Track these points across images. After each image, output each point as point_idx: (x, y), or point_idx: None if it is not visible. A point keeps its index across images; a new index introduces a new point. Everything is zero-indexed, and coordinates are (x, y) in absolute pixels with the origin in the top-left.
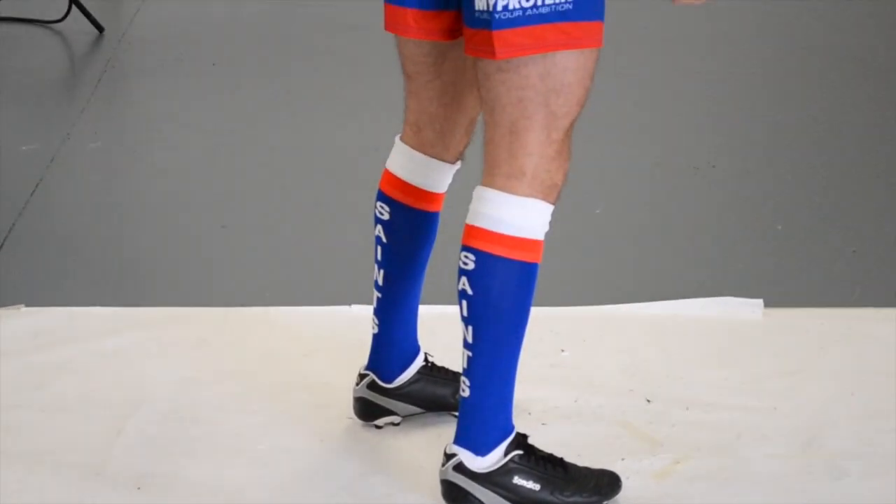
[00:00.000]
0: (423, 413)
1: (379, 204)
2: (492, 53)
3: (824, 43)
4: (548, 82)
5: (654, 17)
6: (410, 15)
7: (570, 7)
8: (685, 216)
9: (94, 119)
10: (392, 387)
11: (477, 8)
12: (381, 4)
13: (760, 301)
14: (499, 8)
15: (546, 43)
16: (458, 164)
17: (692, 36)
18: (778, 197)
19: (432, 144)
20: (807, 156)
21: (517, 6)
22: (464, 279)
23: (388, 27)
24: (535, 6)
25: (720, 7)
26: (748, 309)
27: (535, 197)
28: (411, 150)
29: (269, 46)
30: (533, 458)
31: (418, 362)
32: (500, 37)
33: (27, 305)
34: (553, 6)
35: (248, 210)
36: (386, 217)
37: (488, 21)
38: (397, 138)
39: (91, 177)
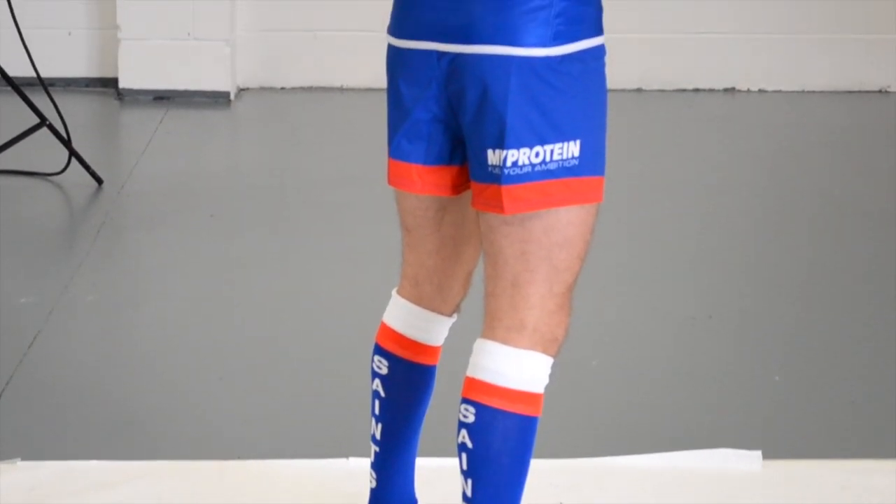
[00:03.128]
0: None
1: (376, 358)
2: (500, 208)
3: (820, 190)
4: (551, 236)
5: (646, 164)
6: (415, 170)
7: (577, 163)
8: (682, 367)
9: (91, 271)
10: None
11: (490, 163)
12: (376, 156)
13: (759, 453)
14: (509, 164)
15: (552, 199)
16: (455, 317)
17: (686, 184)
18: (775, 347)
19: (430, 298)
20: (804, 306)
21: (527, 162)
22: (464, 432)
23: (391, 182)
24: (543, 162)
25: (714, 156)
26: (746, 461)
27: (536, 350)
28: (409, 303)
29: (267, 198)
30: None
31: None
32: (510, 192)
33: (23, 459)
34: (560, 162)
35: (245, 361)
36: (384, 371)
37: (498, 176)
38: (394, 292)
39: (89, 329)
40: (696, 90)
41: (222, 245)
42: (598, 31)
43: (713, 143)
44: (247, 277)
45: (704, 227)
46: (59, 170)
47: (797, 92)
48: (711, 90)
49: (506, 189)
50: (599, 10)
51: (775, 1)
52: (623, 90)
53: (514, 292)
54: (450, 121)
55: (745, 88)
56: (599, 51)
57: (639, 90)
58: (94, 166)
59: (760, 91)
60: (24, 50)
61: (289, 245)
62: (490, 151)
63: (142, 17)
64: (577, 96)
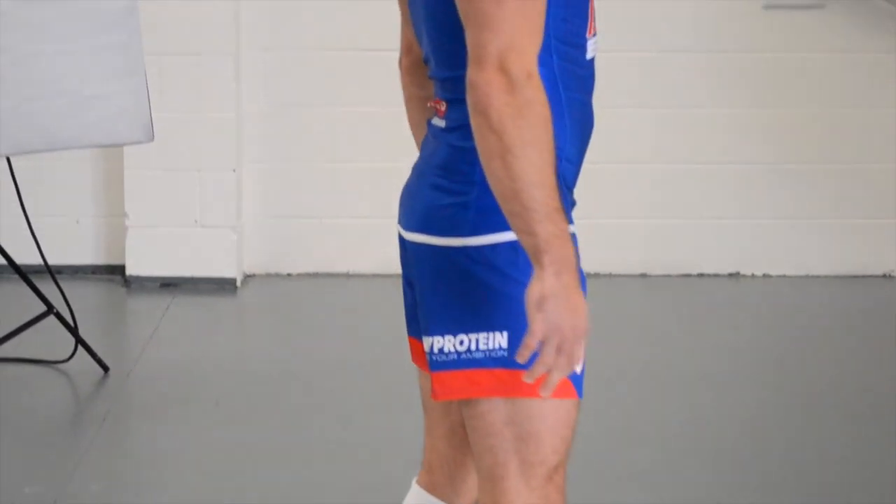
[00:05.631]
0: None
1: None
2: (434, 394)
3: (827, 376)
4: (513, 430)
5: (651, 349)
6: (422, 347)
7: (505, 354)
8: None
9: (97, 460)
10: None
11: (425, 349)
12: (384, 342)
13: None
14: (435, 350)
15: (481, 388)
16: None
17: (691, 369)
18: None
19: (443, 487)
20: (812, 493)
21: (452, 349)
22: None
23: (412, 359)
24: (468, 350)
25: (720, 341)
26: None
27: None
28: (423, 491)
29: (273, 385)
30: None
31: None
32: (438, 378)
33: None
34: (487, 352)
35: None
36: None
37: (429, 362)
38: (414, 480)
39: None
40: (701, 275)
41: (228, 433)
42: None
43: (718, 327)
44: (254, 466)
45: (710, 413)
46: (65, 357)
47: (801, 276)
48: (716, 275)
49: (435, 375)
50: None
51: (778, 186)
52: (627, 275)
53: (493, 486)
54: None
55: (750, 273)
56: None
57: (643, 275)
58: (100, 353)
59: (765, 276)
60: (31, 238)
61: (296, 434)
62: (424, 337)
63: (149, 204)
64: (502, 288)
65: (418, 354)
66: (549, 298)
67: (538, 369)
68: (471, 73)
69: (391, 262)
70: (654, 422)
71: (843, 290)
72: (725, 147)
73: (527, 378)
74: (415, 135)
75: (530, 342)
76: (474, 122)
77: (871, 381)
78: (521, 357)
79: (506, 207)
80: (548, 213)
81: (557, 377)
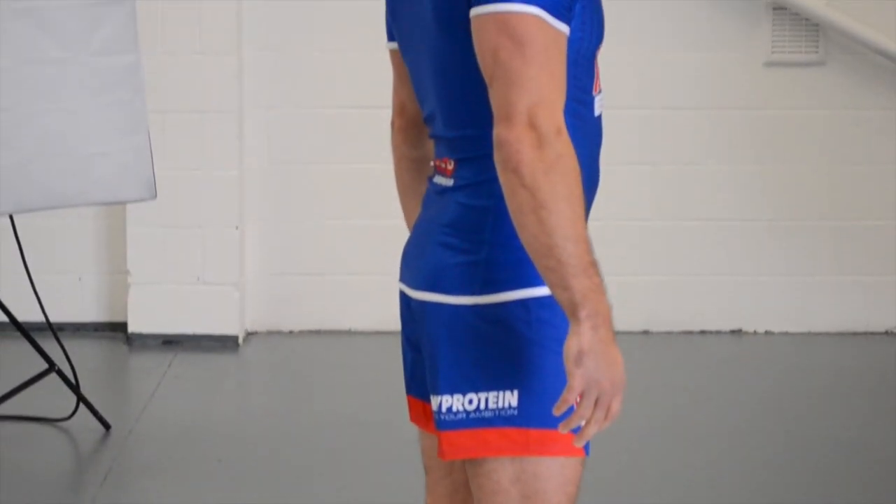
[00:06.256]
0: None
1: None
2: (442, 453)
3: (829, 434)
4: (519, 488)
5: (654, 407)
6: (423, 407)
7: (515, 413)
8: None
9: None
10: None
11: (433, 408)
12: (386, 400)
13: None
14: (444, 409)
15: (490, 447)
16: None
17: (694, 427)
18: None
19: None
20: None
21: (461, 409)
22: None
23: (411, 418)
24: (478, 410)
25: (722, 398)
26: None
27: None
28: None
29: (275, 443)
30: None
31: None
32: (447, 437)
33: None
34: (497, 411)
35: None
36: None
37: (437, 421)
38: None
39: None
40: (703, 332)
41: (230, 492)
42: (537, 282)
43: (720, 384)
44: None
45: (713, 471)
46: (66, 415)
47: (803, 333)
48: (718, 332)
49: (443, 434)
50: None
51: (779, 243)
52: (629, 332)
53: None
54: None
55: (752, 330)
56: (538, 302)
57: (645, 332)
58: (101, 411)
59: (767, 333)
60: (33, 294)
61: (298, 492)
62: (433, 396)
63: (152, 262)
64: (512, 346)
65: (418, 414)
66: (587, 353)
67: (575, 422)
68: (499, 131)
69: (393, 320)
70: (656, 478)
71: (845, 347)
72: (727, 204)
73: (563, 429)
74: (401, 196)
75: (569, 397)
76: (504, 180)
77: (873, 438)
78: (558, 410)
79: (540, 263)
80: (583, 268)
81: (594, 430)
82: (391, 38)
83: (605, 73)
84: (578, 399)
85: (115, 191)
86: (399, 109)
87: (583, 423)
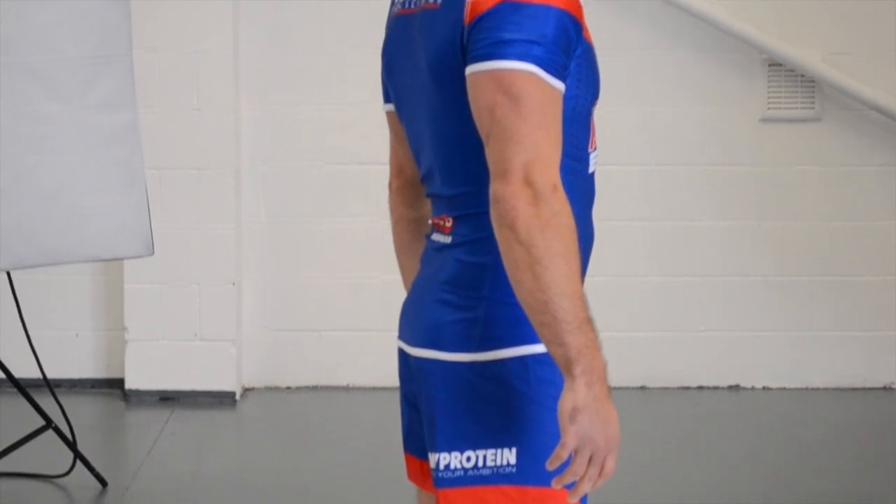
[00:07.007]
0: None
1: None
2: None
3: (826, 490)
4: None
5: (651, 464)
6: (420, 465)
7: (514, 471)
8: None
9: None
10: None
11: (431, 465)
12: (383, 456)
13: None
14: (441, 466)
15: None
16: None
17: (692, 484)
18: None
19: None
20: None
21: (458, 466)
22: None
23: (409, 476)
24: (476, 467)
25: (720, 454)
26: None
27: None
28: None
29: (274, 499)
30: None
31: None
32: (445, 495)
33: None
34: (495, 468)
35: None
36: None
37: (435, 479)
38: None
39: None
40: (700, 387)
41: None
42: (535, 339)
43: (718, 440)
44: None
45: None
46: (63, 472)
47: (801, 389)
48: (715, 387)
49: (441, 492)
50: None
51: (777, 299)
52: (627, 388)
53: None
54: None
55: (750, 386)
56: (536, 359)
57: (642, 388)
58: (98, 468)
59: (764, 388)
60: (30, 351)
61: None
62: (430, 453)
63: (149, 318)
64: (511, 403)
65: (416, 472)
66: (581, 410)
67: (569, 478)
68: (496, 187)
69: (390, 376)
70: None
71: (843, 403)
72: (724, 259)
73: (556, 485)
74: (399, 256)
75: (562, 453)
76: (500, 236)
77: (872, 494)
78: (552, 465)
79: (535, 319)
80: (578, 324)
81: (588, 488)
82: (387, 99)
83: (602, 130)
84: (573, 455)
85: (113, 247)
86: (396, 170)
87: (577, 479)
